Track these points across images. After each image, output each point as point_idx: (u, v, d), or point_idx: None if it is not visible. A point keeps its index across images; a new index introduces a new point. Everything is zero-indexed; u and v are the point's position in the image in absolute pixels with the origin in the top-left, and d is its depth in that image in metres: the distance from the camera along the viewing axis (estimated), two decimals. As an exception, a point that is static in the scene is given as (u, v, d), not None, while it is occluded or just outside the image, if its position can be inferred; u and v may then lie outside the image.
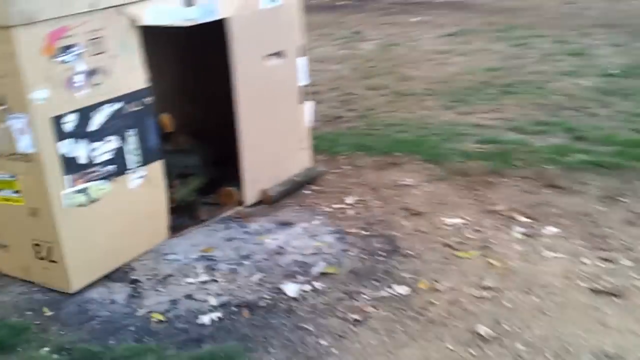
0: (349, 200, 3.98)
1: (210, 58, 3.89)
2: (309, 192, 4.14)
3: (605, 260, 3.19)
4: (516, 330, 2.68)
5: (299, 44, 4.11)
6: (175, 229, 3.67)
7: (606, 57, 7.00)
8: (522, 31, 8.46)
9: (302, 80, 4.19)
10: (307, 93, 4.25)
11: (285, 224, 3.73)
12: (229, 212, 3.90)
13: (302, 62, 4.15)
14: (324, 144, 4.82)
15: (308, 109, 4.27)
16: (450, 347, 2.61)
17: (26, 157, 2.93)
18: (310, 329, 2.78)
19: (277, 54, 3.96)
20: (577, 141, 4.74)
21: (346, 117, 5.60)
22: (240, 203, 3.96)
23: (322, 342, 2.69)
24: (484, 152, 4.62)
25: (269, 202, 3.98)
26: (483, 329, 2.69)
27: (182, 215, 3.81)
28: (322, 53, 7.94)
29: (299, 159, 4.30)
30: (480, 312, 2.82)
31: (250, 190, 3.95)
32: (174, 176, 3.80)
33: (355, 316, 2.84)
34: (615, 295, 2.89)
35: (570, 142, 4.74)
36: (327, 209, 3.88)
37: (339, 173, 4.42)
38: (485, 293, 2.96)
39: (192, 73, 4.27)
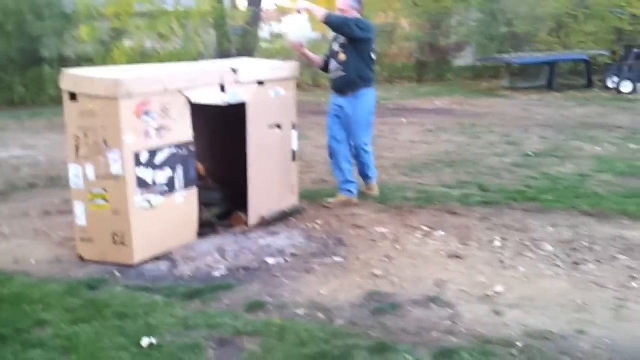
0: (319, 222, 5.70)
1: (231, 128, 5.62)
2: (294, 219, 5.85)
3: (463, 244, 4.93)
4: (397, 273, 4.40)
5: (293, 121, 5.93)
6: (201, 235, 5.30)
7: (531, 145, 8.89)
8: (481, 128, 10.39)
9: (294, 146, 5.98)
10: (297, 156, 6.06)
11: (274, 233, 5.43)
12: (238, 229, 5.61)
13: (294, 134, 5.96)
14: (312, 195, 6.55)
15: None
16: (358, 279, 4.33)
17: (115, 177, 4.67)
18: (278, 275, 4.48)
19: (278, 126, 5.77)
20: (481, 191, 6.52)
21: (330, 180, 7.38)
22: (246, 224, 5.65)
23: (285, 280, 4.39)
24: (417, 197, 6.37)
25: (265, 223, 5.66)
26: (378, 272, 4.41)
27: (205, 230, 5.43)
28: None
29: (289, 199, 6.03)
30: (380, 266, 4.54)
31: (253, 216, 5.63)
32: (202, 204, 5.47)
33: (306, 270, 4.56)
34: (459, 257, 4.62)
35: (476, 192, 6.52)
36: (303, 227, 5.58)
37: (317, 210, 6.13)
38: (386, 259, 4.68)
39: (219, 137, 5.95)
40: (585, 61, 16.47)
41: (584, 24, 17.13)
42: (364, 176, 6.45)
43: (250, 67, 5.60)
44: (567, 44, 17.31)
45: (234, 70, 5.28)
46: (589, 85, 16.01)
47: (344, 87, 6.00)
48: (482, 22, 19.02)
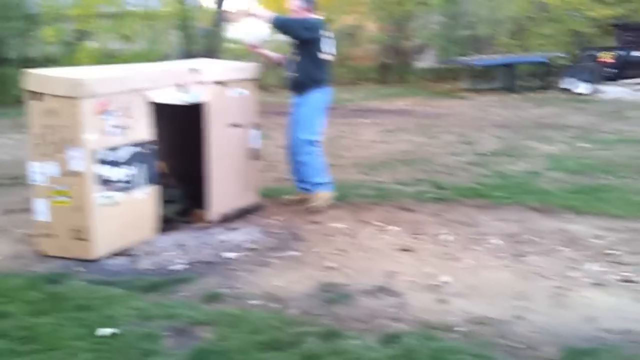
0: (277, 218, 5.84)
1: (194, 127, 5.67)
2: (253, 216, 5.97)
3: (414, 238, 5.12)
4: (349, 265, 4.57)
5: (253, 121, 6.06)
6: (161, 231, 5.38)
7: (487, 145, 9.12)
8: (439, 128, 10.61)
9: (253, 144, 6.12)
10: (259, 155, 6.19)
11: (233, 229, 5.55)
12: (198, 226, 5.71)
13: (254, 132, 6.09)
14: (272, 192, 6.67)
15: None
16: (312, 271, 4.48)
17: (77, 174, 4.74)
18: (236, 269, 4.63)
19: (237, 125, 5.89)
20: (435, 188, 6.72)
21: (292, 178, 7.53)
22: (206, 221, 5.73)
23: (241, 273, 4.54)
24: (373, 194, 6.55)
25: (224, 220, 5.79)
26: (332, 264, 4.59)
27: (166, 226, 5.52)
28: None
29: (249, 196, 6.14)
30: (333, 259, 4.71)
31: (213, 213, 5.75)
32: (163, 201, 5.54)
33: (263, 263, 4.71)
34: (409, 250, 4.81)
35: (430, 189, 6.71)
36: (262, 223, 5.71)
37: (277, 207, 6.27)
38: (340, 253, 4.86)
39: (183, 136, 5.97)
40: (544, 63, 16.83)
41: (542, 26, 17.50)
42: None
43: (210, 68, 5.73)
44: (526, 46, 17.66)
45: (195, 71, 5.41)
46: (547, 86, 16.36)
47: (294, 87, 6.10)
48: (444, 25, 19.33)
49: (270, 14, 5.88)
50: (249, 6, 6.06)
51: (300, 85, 6.03)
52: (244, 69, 6.02)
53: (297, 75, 6.03)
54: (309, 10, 6.03)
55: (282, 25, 5.89)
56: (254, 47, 6.17)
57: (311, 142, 6.05)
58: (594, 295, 4.15)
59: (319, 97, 6.05)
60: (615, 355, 3.38)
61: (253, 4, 6.10)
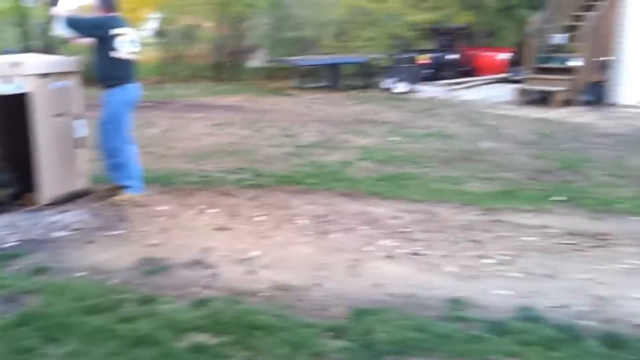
0: (105, 202, 6.07)
1: (19, 116, 5.82)
2: (83, 199, 6.13)
3: (231, 219, 5.61)
4: (170, 242, 4.97)
5: (77, 111, 6.25)
6: None
7: (307, 138, 9.78)
8: (264, 123, 11.15)
9: (79, 133, 6.29)
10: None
11: (63, 211, 5.75)
12: (29, 208, 5.87)
13: (79, 122, 6.27)
14: (101, 179, 6.80)
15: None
16: (135, 248, 4.85)
17: None
18: (64, 246, 4.90)
19: (61, 115, 6.08)
20: (255, 176, 7.22)
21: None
22: (37, 204, 5.89)
23: (69, 250, 4.81)
24: (198, 181, 6.95)
25: (55, 203, 5.93)
26: (154, 242, 4.96)
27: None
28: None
29: (78, 181, 6.31)
30: (156, 238, 5.09)
31: (44, 197, 5.88)
32: None
33: (90, 241, 5.00)
34: (226, 229, 5.29)
35: (250, 176, 7.21)
36: (91, 206, 5.95)
37: (105, 192, 6.46)
38: (163, 232, 5.25)
39: (15, 124, 5.95)
40: (365, 64, 17.83)
41: (364, 30, 18.47)
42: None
43: (33, 61, 5.94)
44: (349, 48, 18.56)
45: (17, 64, 5.63)
46: (369, 86, 17.33)
47: (99, 82, 6.21)
48: (272, 27, 19.94)
49: (66, 14, 6.01)
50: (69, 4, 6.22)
51: (101, 82, 6.16)
52: (67, 62, 6.23)
53: (96, 72, 6.16)
54: (105, 10, 6.09)
55: (72, 23, 6.03)
56: (70, 37, 6.33)
57: (118, 143, 6.17)
58: (384, 266, 4.74)
59: (121, 95, 6.12)
60: (397, 314, 3.91)
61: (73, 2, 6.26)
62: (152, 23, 21.30)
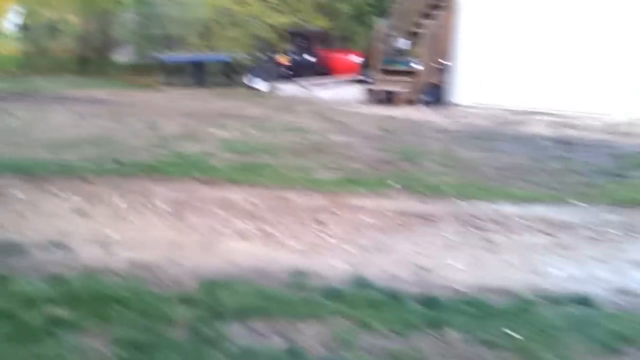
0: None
1: None
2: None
3: (91, 205, 5.59)
4: (28, 227, 4.90)
5: None
6: None
7: (171, 130, 9.82)
8: (130, 116, 10.99)
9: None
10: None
11: None
12: None
13: None
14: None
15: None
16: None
17: None
18: None
19: None
20: (118, 165, 7.21)
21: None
22: None
23: None
24: (59, 170, 6.85)
25: None
26: (11, 227, 4.85)
27: None
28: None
29: None
30: (14, 223, 4.99)
31: None
32: None
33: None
34: (87, 215, 5.27)
35: (113, 165, 7.19)
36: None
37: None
38: (20, 217, 5.15)
39: None
40: (229, 62, 17.92)
41: (227, 30, 18.52)
42: None
43: None
44: (213, 46, 18.56)
45: None
46: (233, 83, 17.44)
47: None
48: (139, 24, 19.58)
49: None
50: None
51: None
52: None
53: None
54: None
55: None
56: None
57: None
58: (236, 245, 4.92)
59: None
60: (244, 285, 4.07)
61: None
62: (14, 16, 20.39)
